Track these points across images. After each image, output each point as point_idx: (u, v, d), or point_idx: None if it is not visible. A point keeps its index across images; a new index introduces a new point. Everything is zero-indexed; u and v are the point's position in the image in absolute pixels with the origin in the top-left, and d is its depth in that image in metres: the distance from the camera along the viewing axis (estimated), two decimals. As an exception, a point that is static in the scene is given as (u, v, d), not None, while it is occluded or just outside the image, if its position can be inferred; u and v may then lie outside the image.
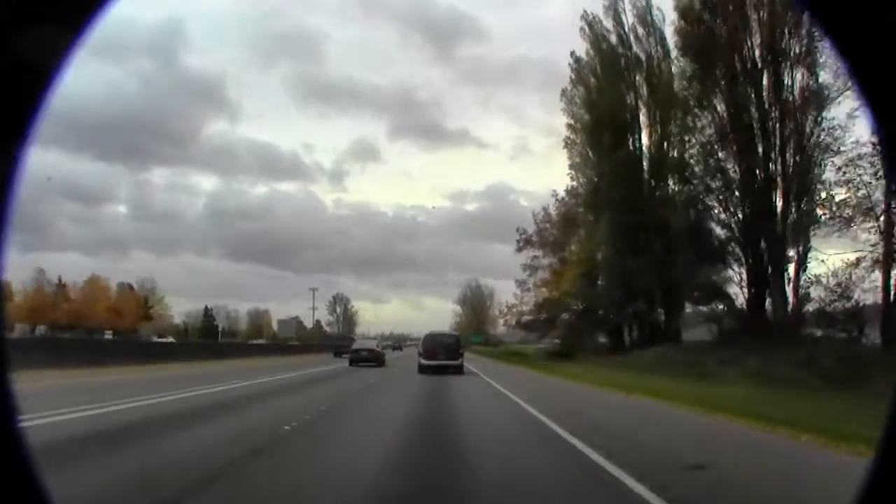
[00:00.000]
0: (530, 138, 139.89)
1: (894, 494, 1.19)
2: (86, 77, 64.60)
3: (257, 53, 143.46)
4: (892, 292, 21.38)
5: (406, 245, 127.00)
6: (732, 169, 28.29)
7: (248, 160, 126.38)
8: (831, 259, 24.08)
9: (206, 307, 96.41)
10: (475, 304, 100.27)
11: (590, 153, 38.09)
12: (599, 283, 37.80)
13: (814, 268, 25.07)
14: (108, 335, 60.24)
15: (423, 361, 24.57)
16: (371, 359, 31.00)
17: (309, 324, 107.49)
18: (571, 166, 40.32)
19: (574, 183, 40.88)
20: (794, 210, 25.88)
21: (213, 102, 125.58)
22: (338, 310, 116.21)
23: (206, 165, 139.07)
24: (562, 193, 42.77)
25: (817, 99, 25.00)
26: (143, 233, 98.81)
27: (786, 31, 25.69)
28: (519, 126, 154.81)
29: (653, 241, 32.49)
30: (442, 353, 24.57)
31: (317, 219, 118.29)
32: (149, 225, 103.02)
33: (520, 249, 46.39)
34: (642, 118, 35.62)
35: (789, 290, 25.88)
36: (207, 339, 73.62)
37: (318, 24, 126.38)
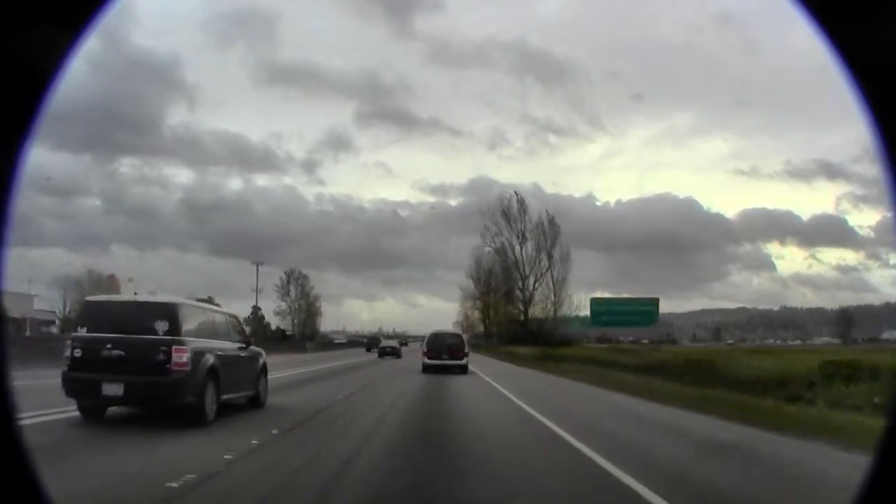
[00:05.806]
0: (507, 126, 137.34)
1: (894, 494, 1.19)
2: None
3: (212, 36, 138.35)
4: None
5: (392, 241, 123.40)
6: None
7: (216, 149, 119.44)
8: None
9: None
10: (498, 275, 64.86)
11: None
12: None
13: None
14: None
15: (427, 361, 24.93)
16: (393, 353, 46.12)
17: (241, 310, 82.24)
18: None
19: None
20: None
21: (171, 87, 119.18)
22: (293, 293, 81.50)
23: (175, 156, 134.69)
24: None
25: None
26: (121, 227, 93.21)
27: None
28: (494, 113, 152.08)
29: None
30: (446, 353, 25.04)
31: (298, 215, 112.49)
32: (125, 219, 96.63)
33: None
34: None
35: None
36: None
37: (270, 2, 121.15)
